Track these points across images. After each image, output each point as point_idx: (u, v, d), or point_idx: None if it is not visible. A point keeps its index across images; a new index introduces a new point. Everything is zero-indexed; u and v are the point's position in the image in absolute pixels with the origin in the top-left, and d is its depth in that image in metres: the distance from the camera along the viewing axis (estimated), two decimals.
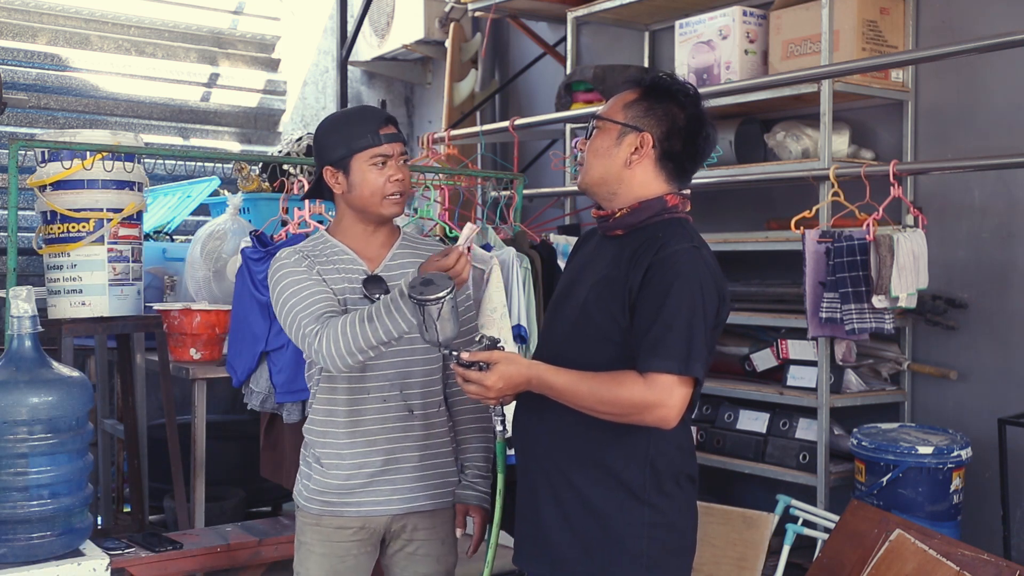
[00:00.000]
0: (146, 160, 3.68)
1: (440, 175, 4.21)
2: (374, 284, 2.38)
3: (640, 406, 1.94)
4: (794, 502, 3.49)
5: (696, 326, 1.95)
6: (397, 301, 2.18)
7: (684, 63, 4.45)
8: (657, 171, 2.12)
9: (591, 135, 2.17)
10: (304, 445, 2.48)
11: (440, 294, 2.06)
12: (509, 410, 2.22)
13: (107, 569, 2.53)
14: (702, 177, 4.31)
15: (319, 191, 2.51)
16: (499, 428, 2.20)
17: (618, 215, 2.12)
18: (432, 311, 2.07)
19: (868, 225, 3.69)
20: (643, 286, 1.99)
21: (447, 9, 5.95)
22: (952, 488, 3.54)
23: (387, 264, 2.45)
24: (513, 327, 3.41)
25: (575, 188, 4.29)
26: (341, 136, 2.39)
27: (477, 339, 2.11)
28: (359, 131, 2.38)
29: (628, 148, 2.11)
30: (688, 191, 2.18)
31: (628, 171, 2.11)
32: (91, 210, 3.44)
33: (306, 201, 3.61)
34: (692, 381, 1.96)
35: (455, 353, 2.10)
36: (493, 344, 2.09)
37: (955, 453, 3.52)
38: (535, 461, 2.16)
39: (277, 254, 2.46)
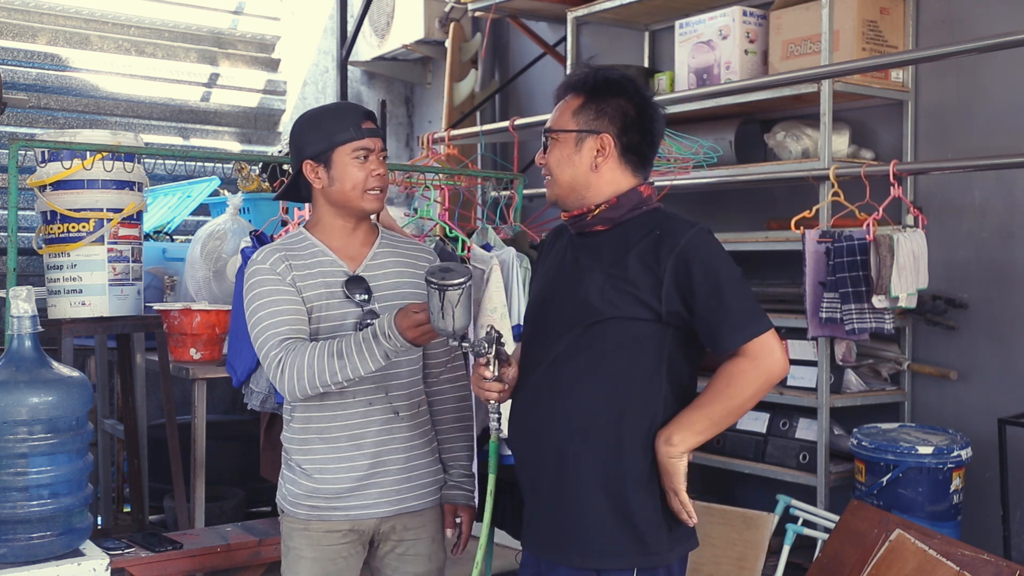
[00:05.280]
0: (146, 160, 3.68)
1: (440, 175, 4.20)
2: (355, 284, 2.37)
3: (763, 380, 2.01)
4: (794, 502, 3.49)
5: (746, 288, 2.06)
6: (370, 341, 2.18)
7: (684, 63, 4.45)
8: (623, 167, 2.16)
9: (547, 148, 2.19)
10: (286, 450, 2.46)
11: (460, 280, 2.06)
12: (505, 408, 2.22)
13: (107, 569, 2.53)
14: (702, 177, 4.32)
15: (295, 190, 2.48)
16: (495, 426, 2.20)
17: (596, 212, 2.14)
18: (452, 296, 2.06)
19: (868, 225, 3.69)
20: (683, 280, 2.03)
21: (447, 9, 5.95)
22: (952, 488, 3.54)
23: (368, 264, 2.43)
24: (513, 327, 3.41)
25: None
26: (322, 130, 2.38)
27: (486, 331, 2.12)
28: (341, 125, 2.36)
29: (590, 152, 2.14)
30: (654, 181, 2.22)
31: (595, 174, 2.14)
32: (91, 210, 3.44)
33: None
34: (772, 329, 2.05)
35: (464, 344, 2.12)
36: (497, 337, 2.11)
37: (955, 453, 3.52)
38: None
39: (255, 253, 2.42)
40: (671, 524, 2.09)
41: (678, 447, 2.03)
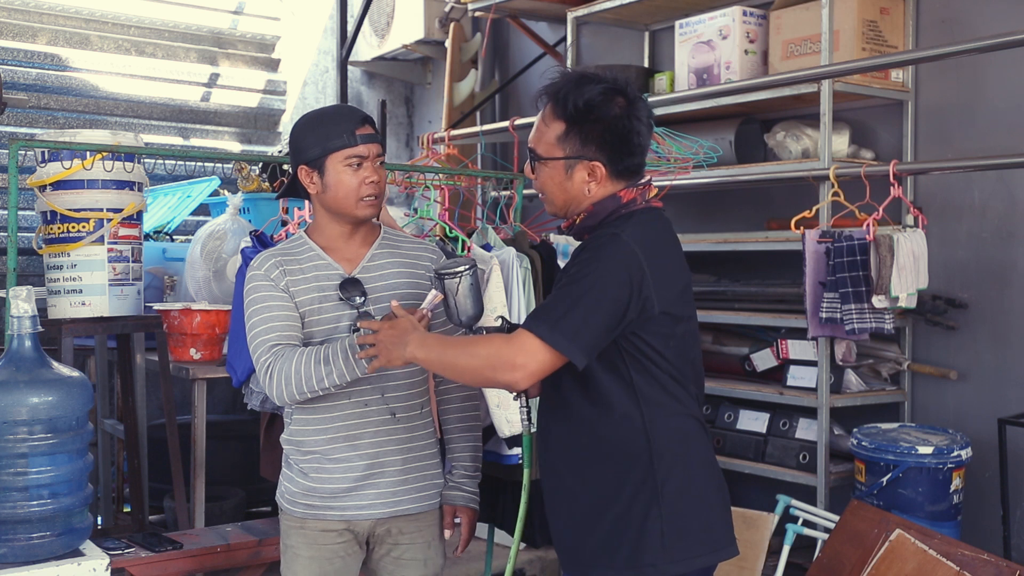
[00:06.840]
0: (146, 160, 3.68)
1: (440, 175, 4.20)
2: (351, 287, 2.37)
3: (494, 362, 1.97)
4: (794, 502, 3.49)
5: (586, 304, 1.94)
6: (356, 347, 2.20)
7: (684, 63, 4.45)
8: (615, 182, 2.11)
9: (535, 168, 2.14)
10: (285, 449, 2.47)
11: (458, 268, 2.15)
12: (535, 403, 2.23)
13: (107, 569, 2.53)
14: (702, 177, 4.32)
15: (294, 190, 2.48)
16: (524, 422, 2.21)
17: (577, 221, 2.13)
18: (451, 286, 2.13)
19: (868, 225, 3.69)
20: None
21: (447, 9, 5.95)
22: (952, 488, 3.54)
23: (365, 266, 2.42)
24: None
25: None
26: (317, 135, 2.36)
27: (495, 319, 2.20)
28: (335, 131, 2.34)
29: (582, 176, 2.09)
30: (645, 179, 2.16)
31: (588, 194, 2.10)
32: (91, 210, 3.44)
33: (306, 201, 3.61)
34: (556, 354, 1.94)
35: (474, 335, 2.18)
36: (509, 327, 2.16)
37: (955, 453, 3.52)
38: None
39: (253, 259, 2.43)
40: (669, 539, 2.02)
41: (410, 345, 2.06)
